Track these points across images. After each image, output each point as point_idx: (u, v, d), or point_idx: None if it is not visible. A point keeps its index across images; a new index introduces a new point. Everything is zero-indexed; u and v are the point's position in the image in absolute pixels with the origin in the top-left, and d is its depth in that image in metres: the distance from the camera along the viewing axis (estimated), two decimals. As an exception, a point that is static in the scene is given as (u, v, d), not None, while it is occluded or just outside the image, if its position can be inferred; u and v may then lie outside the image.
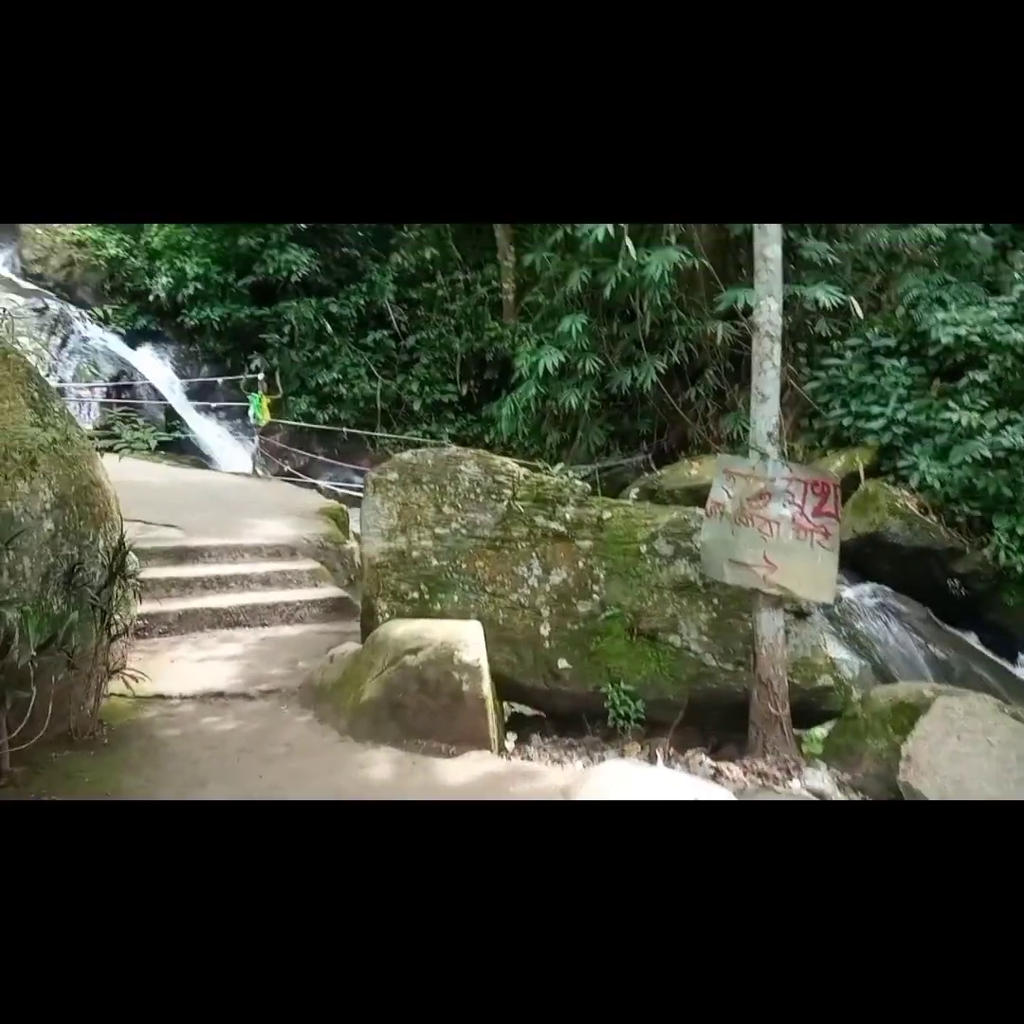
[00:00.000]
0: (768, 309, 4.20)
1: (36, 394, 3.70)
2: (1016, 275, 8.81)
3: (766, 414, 4.07)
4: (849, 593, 7.29)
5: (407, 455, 4.70)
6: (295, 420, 13.05)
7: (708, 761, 3.87)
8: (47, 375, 9.38)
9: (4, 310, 6.79)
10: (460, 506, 4.47)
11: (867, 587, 7.62)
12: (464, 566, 4.39)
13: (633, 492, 9.64)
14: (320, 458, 12.66)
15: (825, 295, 9.19)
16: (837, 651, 5.14)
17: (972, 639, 7.55)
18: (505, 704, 4.38)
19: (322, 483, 11.86)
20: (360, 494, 5.22)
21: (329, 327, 13.60)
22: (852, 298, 9.31)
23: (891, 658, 6.48)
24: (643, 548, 4.39)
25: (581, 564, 4.38)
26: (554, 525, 4.43)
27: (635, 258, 9.59)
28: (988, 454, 7.52)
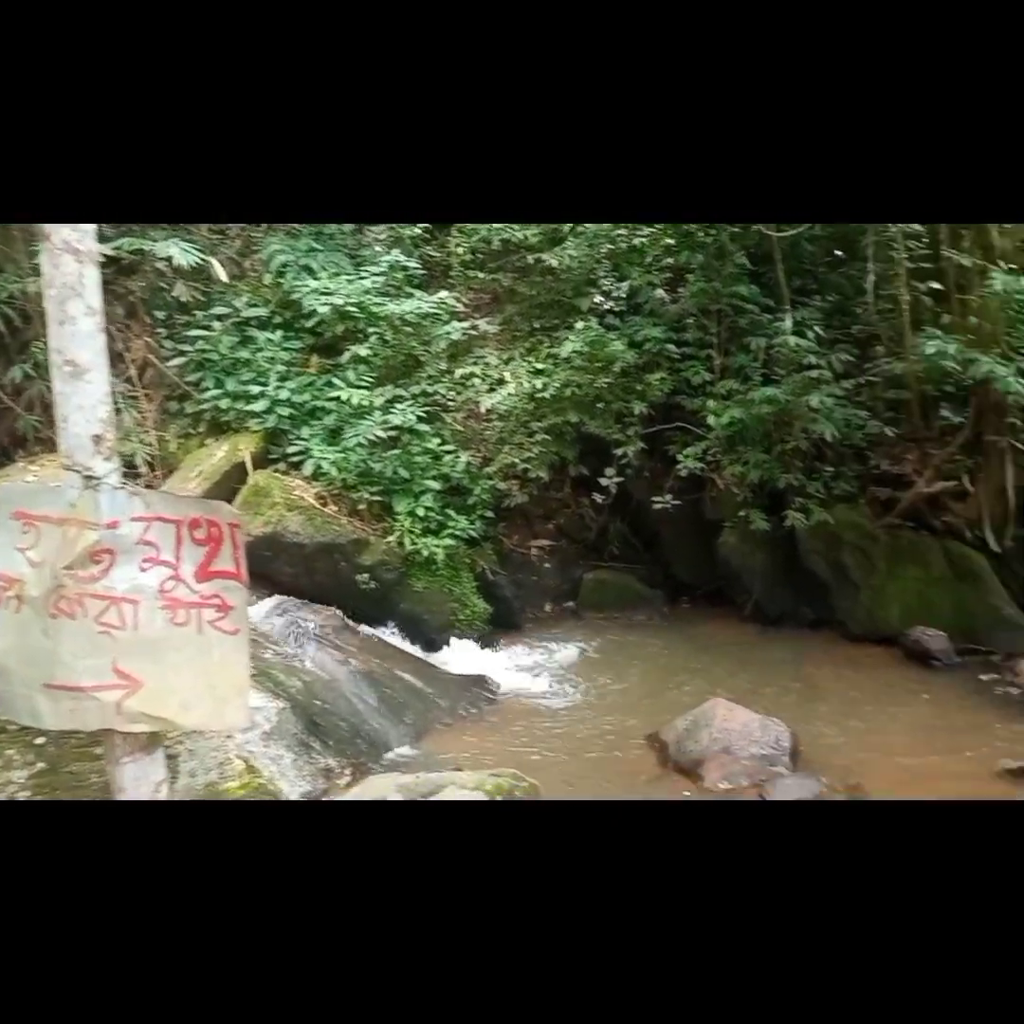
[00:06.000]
0: None
1: None
2: (378, 248, 8.56)
3: (85, 402, 2.15)
4: (251, 613, 5.93)
5: None
6: None
7: None
8: None
9: None
10: None
11: (270, 602, 6.39)
12: None
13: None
14: None
15: (180, 253, 7.61)
16: (252, 700, 3.70)
17: (389, 633, 7.02)
18: None
19: None
20: None
21: None
22: (214, 260, 7.93)
23: (314, 690, 5.37)
24: None
25: None
26: None
27: None
28: (381, 434, 6.99)
